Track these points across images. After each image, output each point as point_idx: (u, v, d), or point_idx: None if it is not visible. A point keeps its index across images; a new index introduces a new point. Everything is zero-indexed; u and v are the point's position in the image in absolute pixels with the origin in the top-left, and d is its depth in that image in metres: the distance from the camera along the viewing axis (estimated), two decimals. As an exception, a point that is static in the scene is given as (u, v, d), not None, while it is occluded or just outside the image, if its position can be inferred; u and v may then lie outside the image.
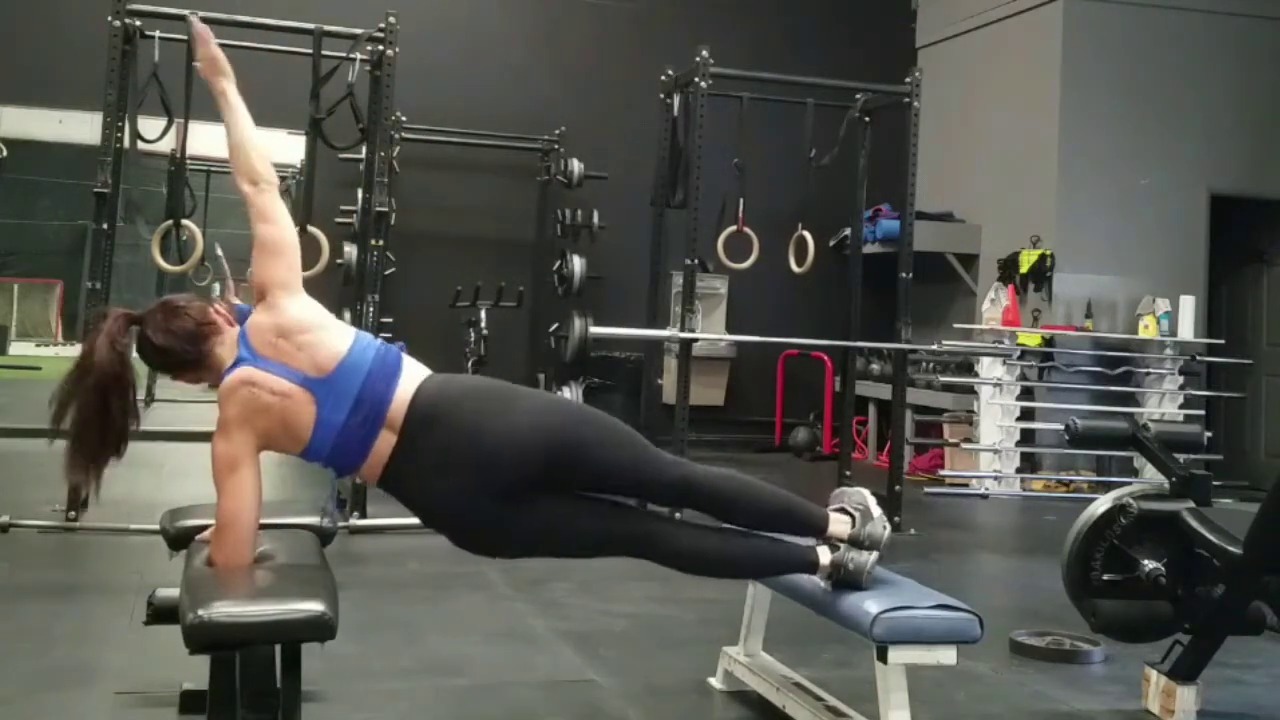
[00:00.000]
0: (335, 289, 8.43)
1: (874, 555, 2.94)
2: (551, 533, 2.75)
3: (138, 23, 5.81)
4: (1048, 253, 8.93)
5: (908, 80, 6.83)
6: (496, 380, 2.82)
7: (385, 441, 2.63)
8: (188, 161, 6.08)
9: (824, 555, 2.96)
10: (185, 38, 5.80)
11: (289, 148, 9.35)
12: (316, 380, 2.60)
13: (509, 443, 2.62)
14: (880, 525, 2.96)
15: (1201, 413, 8.85)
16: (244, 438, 2.55)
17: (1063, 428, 4.00)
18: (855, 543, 2.94)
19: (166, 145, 6.14)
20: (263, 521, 2.78)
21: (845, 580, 2.93)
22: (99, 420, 2.56)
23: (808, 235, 7.02)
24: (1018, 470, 8.69)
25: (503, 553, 2.92)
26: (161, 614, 2.84)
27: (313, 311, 2.69)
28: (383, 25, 5.97)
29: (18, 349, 15.51)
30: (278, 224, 2.74)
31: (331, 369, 2.61)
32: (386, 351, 2.70)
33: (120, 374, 2.58)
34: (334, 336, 2.66)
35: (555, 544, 2.82)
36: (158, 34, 5.82)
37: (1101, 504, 3.65)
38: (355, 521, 5.83)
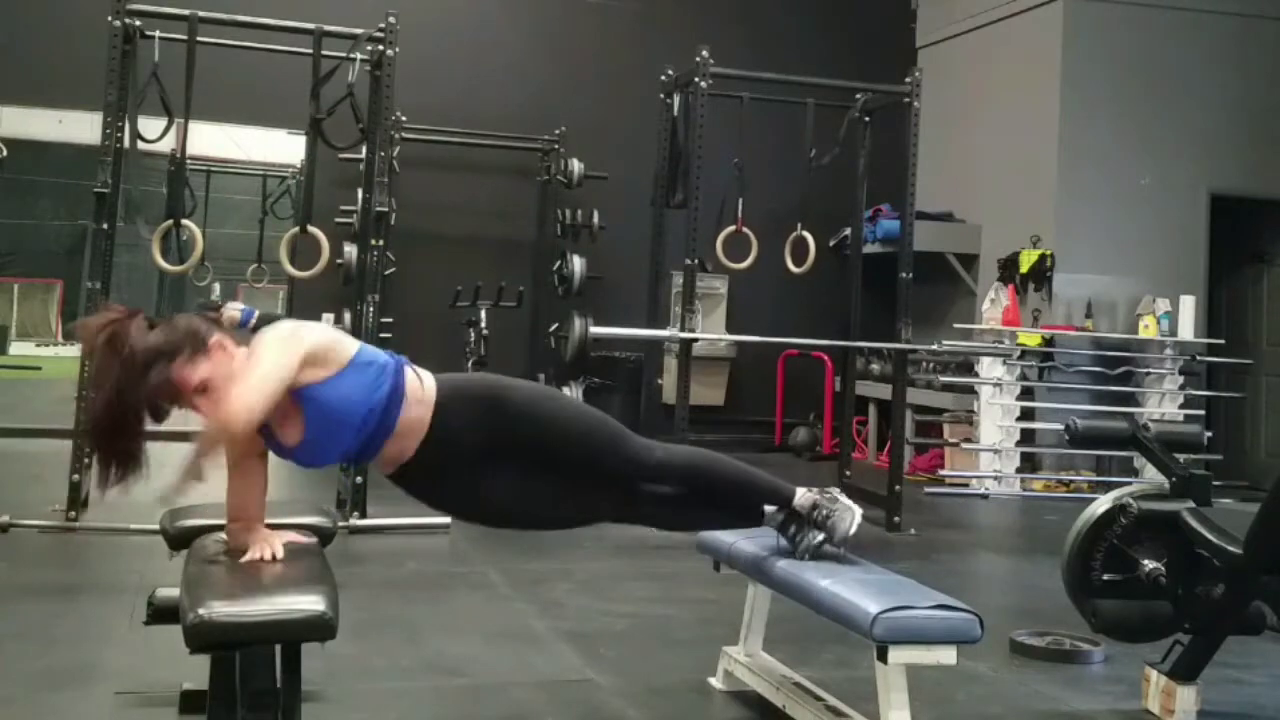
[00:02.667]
0: (335, 289, 8.44)
1: (857, 513, 3.05)
2: (546, 484, 2.87)
3: (138, 23, 5.81)
4: (1048, 253, 8.93)
5: (908, 80, 6.84)
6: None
7: (419, 412, 2.71)
8: (188, 161, 6.08)
9: (801, 496, 3.08)
10: (185, 38, 5.85)
11: (289, 148, 9.38)
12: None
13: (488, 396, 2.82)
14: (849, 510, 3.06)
15: (1201, 413, 8.85)
16: (297, 337, 2.59)
17: (1063, 428, 4.00)
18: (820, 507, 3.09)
19: (166, 145, 6.14)
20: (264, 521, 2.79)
21: (823, 520, 3.04)
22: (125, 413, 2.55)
23: (808, 235, 7.02)
24: (1018, 470, 8.69)
25: (477, 515, 3.02)
26: (161, 614, 2.84)
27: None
28: (383, 25, 5.97)
29: (18, 349, 15.53)
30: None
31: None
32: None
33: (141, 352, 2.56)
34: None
35: (551, 491, 2.90)
36: (158, 34, 5.83)
37: (1101, 504, 3.65)
38: (355, 521, 5.83)
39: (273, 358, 2.55)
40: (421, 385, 2.74)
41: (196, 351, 2.58)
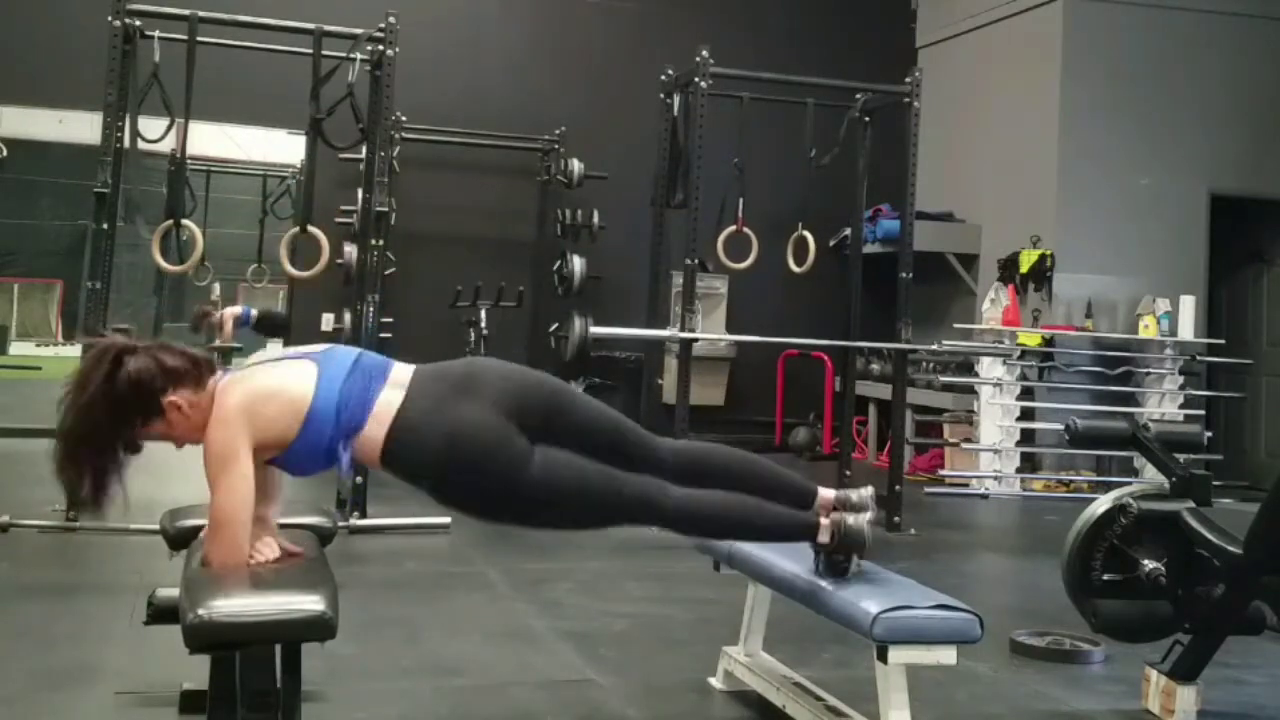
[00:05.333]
0: (335, 289, 8.43)
1: (868, 513, 2.93)
2: (561, 479, 2.69)
3: (138, 23, 5.81)
4: (1048, 253, 8.93)
5: (908, 80, 6.83)
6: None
7: (390, 396, 2.64)
8: (188, 161, 6.08)
9: (822, 518, 2.95)
10: (185, 38, 5.85)
11: (289, 148, 9.37)
12: (313, 352, 2.70)
13: (520, 375, 2.76)
14: (869, 499, 2.96)
15: (1201, 413, 8.85)
16: (241, 429, 2.52)
17: (1063, 428, 4.00)
18: (844, 505, 2.94)
19: (166, 145, 6.14)
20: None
21: (846, 539, 2.91)
22: (92, 434, 2.55)
23: (808, 235, 7.02)
24: (1018, 470, 8.69)
25: (516, 495, 2.69)
26: (161, 614, 2.84)
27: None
28: (383, 25, 5.97)
29: (18, 349, 15.54)
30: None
31: (324, 349, 2.73)
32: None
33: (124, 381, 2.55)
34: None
35: (563, 494, 2.72)
36: (158, 34, 5.82)
37: (1101, 504, 3.65)
38: (355, 521, 5.83)
39: (224, 501, 2.52)
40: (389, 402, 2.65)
41: (150, 415, 2.58)
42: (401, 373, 2.71)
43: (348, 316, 7.80)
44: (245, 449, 2.53)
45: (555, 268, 9.25)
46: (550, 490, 2.68)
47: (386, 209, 6.07)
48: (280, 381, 2.62)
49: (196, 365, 2.63)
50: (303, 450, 2.62)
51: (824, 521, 2.93)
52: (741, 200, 6.96)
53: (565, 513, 2.79)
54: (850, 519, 2.92)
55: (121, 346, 2.60)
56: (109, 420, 2.54)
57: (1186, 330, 8.72)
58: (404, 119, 8.55)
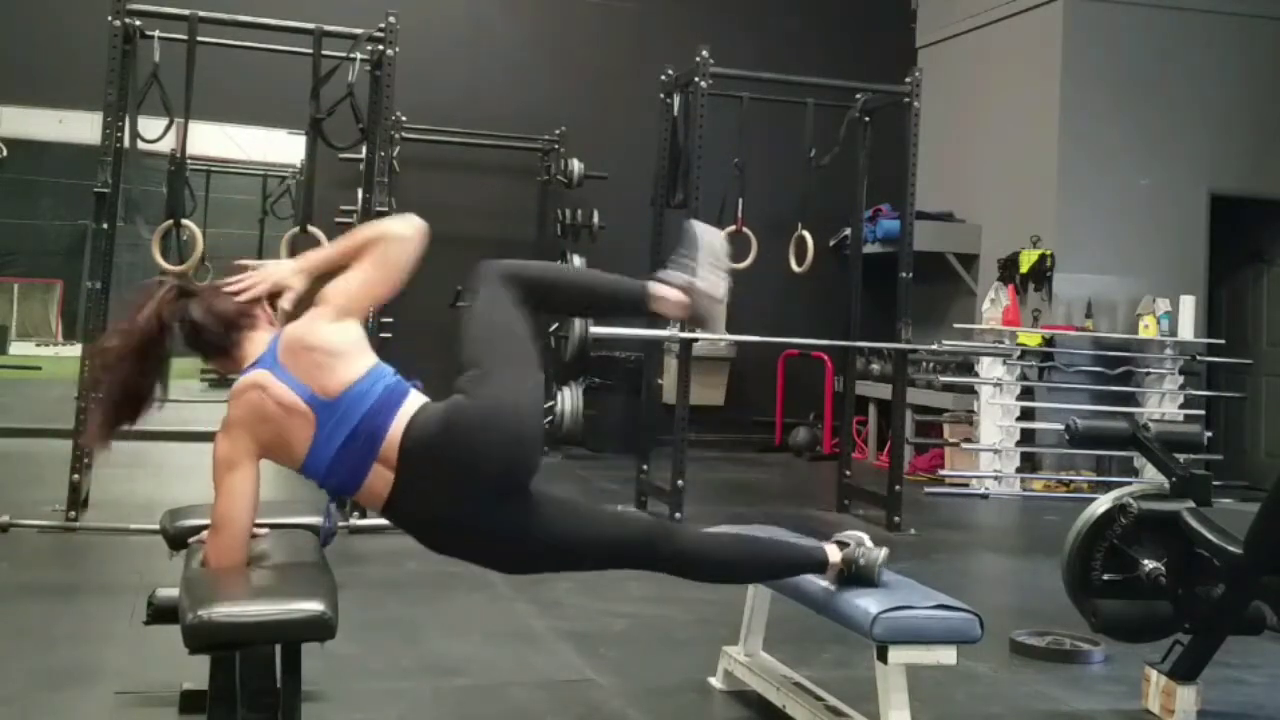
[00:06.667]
0: (335, 289, 8.42)
1: (883, 551, 2.96)
2: (564, 532, 2.74)
3: (138, 23, 5.81)
4: (1048, 253, 8.93)
5: (908, 80, 6.84)
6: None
7: (381, 477, 2.59)
8: (188, 161, 6.08)
9: (833, 554, 2.98)
10: (185, 38, 5.85)
11: (289, 148, 9.38)
12: (321, 401, 2.57)
13: (514, 439, 2.61)
14: (878, 550, 3.00)
15: (1201, 413, 8.85)
16: (245, 441, 2.56)
17: (1063, 428, 4.00)
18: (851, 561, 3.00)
19: (166, 145, 6.14)
20: (263, 521, 2.80)
21: (856, 576, 2.95)
22: (130, 383, 2.61)
23: (808, 235, 7.02)
24: (1018, 470, 8.69)
25: (519, 558, 2.84)
26: (161, 614, 2.84)
27: (344, 339, 2.64)
28: (383, 25, 5.97)
29: (18, 349, 15.54)
30: (374, 277, 2.82)
31: (336, 395, 2.58)
32: (397, 385, 2.66)
33: (160, 339, 2.63)
34: (350, 365, 2.62)
35: (569, 543, 2.76)
36: (158, 34, 5.82)
37: (1101, 504, 3.65)
38: (355, 521, 5.83)
39: (225, 504, 2.55)
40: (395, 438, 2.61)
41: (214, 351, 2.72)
42: (391, 444, 2.58)
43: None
44: (247, 458, 2.56)
45: (555, 268, 9.24)
46: (550, 540, 2.74)
47: (386, 209, 6.07)
48: (281, 422, 2.56)
49: (247, 314, 2.73)
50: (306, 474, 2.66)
51: (834, 560, 2.99)
52: (741, 200, 6.96)
53: (566, 556, 2.86)
54: (862, 559, 2.97)
55: (180, 289, 2.73)
56: (144, 373, 2.63)
57: (1186, 330, 8.72)
58: (404, 119, 8.55)
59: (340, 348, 2.63)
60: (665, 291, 2.98)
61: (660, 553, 2.84)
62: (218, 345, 2.70)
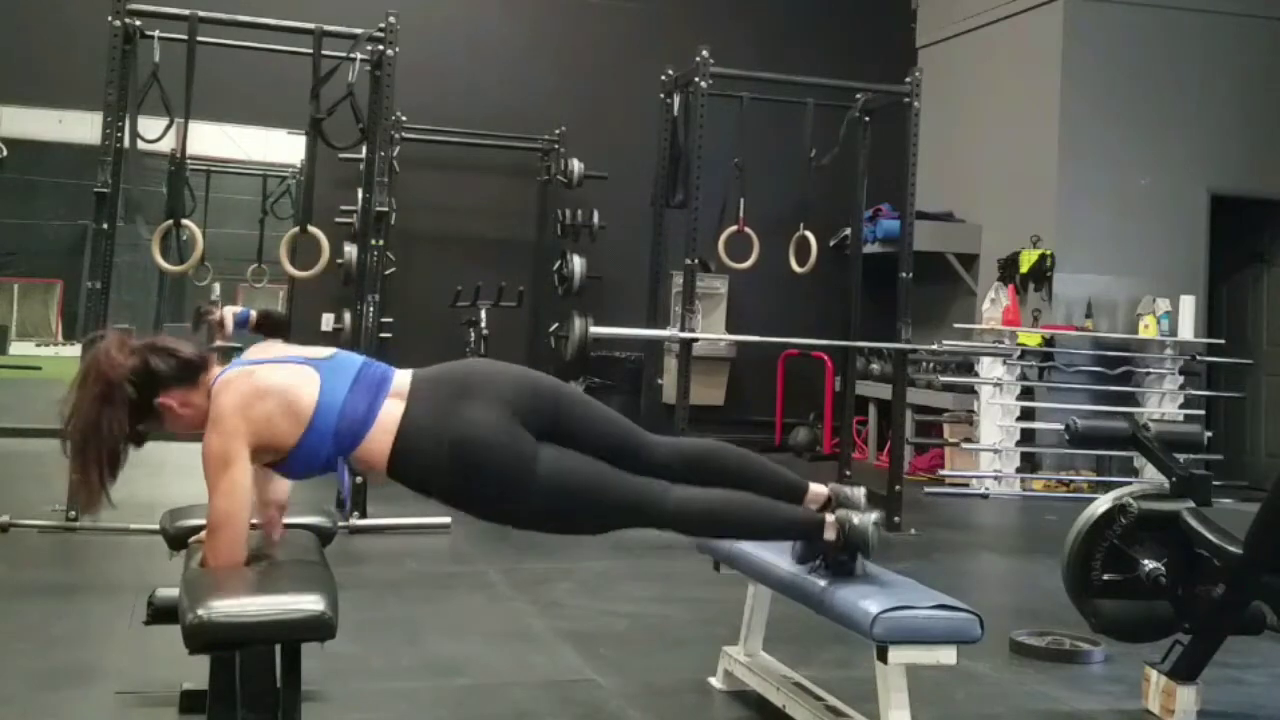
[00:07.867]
0: (335, 289, 8.44)
1: (874, 514, 2.88)
2: (565, 484, 2.68)
3: (138, 23, 5.80)
4: (1048, 253, 8.93)
5: (908, 80, 6.83)
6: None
7: (392, 408, 2.63)
8: (188, 161, 6.08)
9: (827, 515, 2.91)
10: (185, 38, 5.85)
11: (289, 148, 9.37)
12: (315, 360, 2.69)
13: (521, 375, 2.76)
14: (862, 497, 2.92)
15: (1201, 413, 8.85)
16: (239, 430, 2.53)
17: (1063, 428, 4.00)
18: (838, 499, 2.91)
19: (166, 145, 6.13)
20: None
21: (852, 539, 2.87)
22: (96, 432, 2.55)
23: (809, 235, 7.02)
24: (1018, 470, 8.69)
25: (524, 495, 2.67)
26: (161, 614, 2.84)
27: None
28: (383, 25, 5.97)
29: (18, 349, 15.51)
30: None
31: (328, 357, 2.71)
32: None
33: (118, 382, 2.56)
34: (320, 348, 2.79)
35: (570, 493, 2.70)
36: (158, 34, 5.82)
37: (1101, 504, 3.65)
38: (355, 521, 5.83)
39: (222, 503, 2.53)
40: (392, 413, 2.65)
41: (143, 417, 2.62)
42: (401, 381, 2.70)
43: (348, 316, 7.80)
44: (242, 451, 2.53)
45: (555, 268, 9.25)
46: (557, 489, 2.67)
47: (386, 209, 6.07)
48: (282, 385, 2.60)
49: (188, 366, 2.65)
50: (301, 458, 2.63)
51: (829, 519, 2.89)
52: (742, 200, 6.97)
53: (571, 513, 2.76)
54: (856, 518, 2.87)
55: (113, 349, 2.61)
56: (108, 422, 2.56)
57: (1186, 330, 8.72)
58: (404, 119, 8.55)
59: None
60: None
61: (658, 510, 2.79)
62: (183, 378, 2.65)
